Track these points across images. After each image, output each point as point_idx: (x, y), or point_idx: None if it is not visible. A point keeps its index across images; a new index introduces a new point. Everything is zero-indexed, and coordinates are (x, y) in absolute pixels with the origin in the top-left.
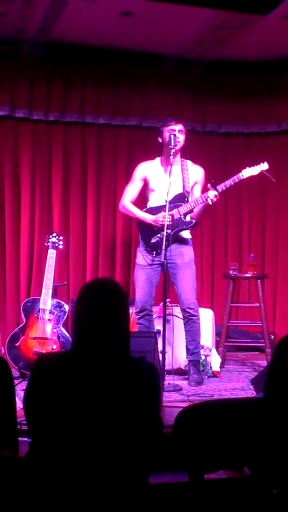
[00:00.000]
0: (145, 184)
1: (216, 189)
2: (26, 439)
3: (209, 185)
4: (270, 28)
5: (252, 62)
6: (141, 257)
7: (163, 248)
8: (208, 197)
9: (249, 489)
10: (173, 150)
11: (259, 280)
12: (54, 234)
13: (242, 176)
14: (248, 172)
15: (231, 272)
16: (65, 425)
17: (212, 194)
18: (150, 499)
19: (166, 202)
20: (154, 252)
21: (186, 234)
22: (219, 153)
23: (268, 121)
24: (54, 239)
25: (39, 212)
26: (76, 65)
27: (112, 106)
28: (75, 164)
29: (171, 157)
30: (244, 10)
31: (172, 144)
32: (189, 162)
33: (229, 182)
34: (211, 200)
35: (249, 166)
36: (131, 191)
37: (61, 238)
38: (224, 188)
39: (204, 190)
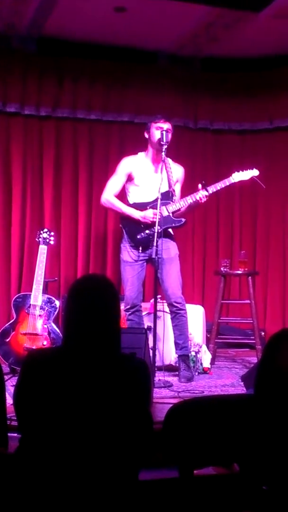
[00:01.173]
0: (129, 179)
1: (206, 190)
2: (16, 434)
3: (200, 185)
4: (263, 26)
5: (244, 59)
6: (127, 254)
7: (154, 244)
8: (199, 197)
9: (238, 486)
10: (165, 147)
11: (250, 277)
12: (45, 230)
13: (233, 179)
14: (239, 176)
15: (222, 269)
16: (55, 421)
17: (202, 194)
18: (140, 495)
19: (159, 199)
20: (140, 248)
21: (170, 230)
22: (212, 150)
23: (261, 118)
24: (45, 235)
25: (30, 208)
26: (68, 60)
27: (104, 102)
28: (66, 160)
29: (163, 153)
30: (237, 7)
31: (164, 140)
32: (170, 160)
33: (219, 185)
34: (201, 200)
35: (239, 170)
36: (115, 185)
37: (52, 233)
38: (214, 190)
39: (184, 189)
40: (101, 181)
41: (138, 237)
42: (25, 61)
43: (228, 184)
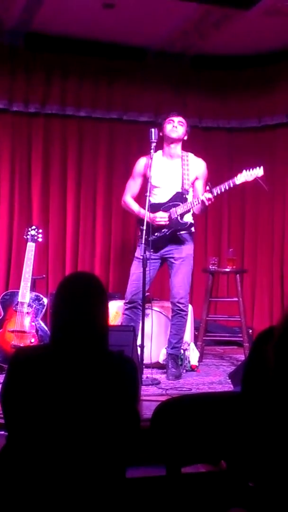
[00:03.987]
0: (146, 179)
1: (211, 192)
2: (2, 432)
3: (207, 187)
4: (252, 23)
5: (233, 57)
6: (140, 251)
7: (143, 242)
8: (203, 199)
9: (226, 483)
10: (153, 144)
11: (238, 275)
12: (33, 227)
13: (237, 180)
14: (242, 177)
15: (210, 266)
16: (42, 419)
17: (206, 196)
18: (127, 492)
19: (147, 196)
20: (152, 249)
21: (188, 230)
22: (200, 147)
23: (249, 116)
24: (33, 232)
25: (19, 205)
26: (56, 56)
27: (93, 98)
28: (55, 157)
29: (152, 151)
30: (226, 5)
31: (153, 138)
32: (191, 155)
33: (224, 186)
34: (206, 202)
35: (247, 169)
36: (132, 186)
37: (40, 231)
38: (219, 192)
39: (206, 185)
40: (89, 178)
41: (150, 238)
42: (13, 56)
43: (232, 185)
